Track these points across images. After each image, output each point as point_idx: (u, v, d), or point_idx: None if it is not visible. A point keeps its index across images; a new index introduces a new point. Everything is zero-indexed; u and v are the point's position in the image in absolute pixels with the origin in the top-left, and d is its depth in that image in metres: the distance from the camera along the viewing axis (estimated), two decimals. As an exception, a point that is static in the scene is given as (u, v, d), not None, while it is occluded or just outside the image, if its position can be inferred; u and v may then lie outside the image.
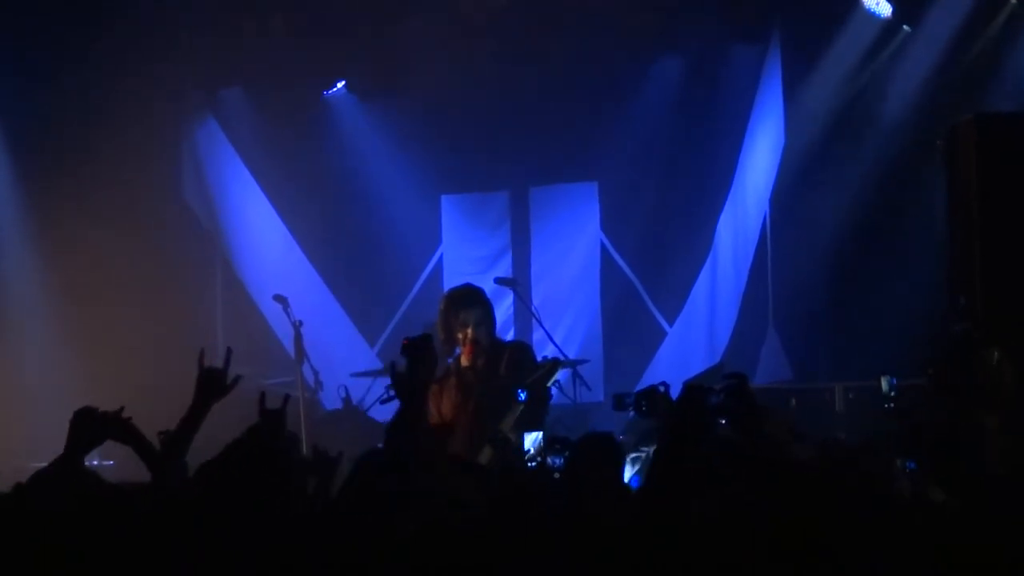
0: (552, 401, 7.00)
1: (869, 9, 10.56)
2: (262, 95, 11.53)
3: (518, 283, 10.56)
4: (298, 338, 9.34)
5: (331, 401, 10.51)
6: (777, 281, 10.95)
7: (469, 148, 11.54)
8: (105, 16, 10.14)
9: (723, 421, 4.32)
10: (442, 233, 12.04)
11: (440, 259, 11.99)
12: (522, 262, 11.85)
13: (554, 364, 6.71)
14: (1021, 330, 7.34)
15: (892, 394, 7.14)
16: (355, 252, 11.81)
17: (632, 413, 4.99)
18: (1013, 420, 6.49)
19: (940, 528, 3.93)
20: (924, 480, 4.41)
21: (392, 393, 4.80)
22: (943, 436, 5.31)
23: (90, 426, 4.22)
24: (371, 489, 3.94)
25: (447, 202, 12.03)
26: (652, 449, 7.18)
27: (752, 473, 3.92)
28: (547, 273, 11.78)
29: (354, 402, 10.31)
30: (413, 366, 4.61)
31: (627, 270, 11.65)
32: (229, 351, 4.52)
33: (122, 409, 4.29)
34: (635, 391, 4.43)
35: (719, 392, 4.22)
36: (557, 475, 5.04)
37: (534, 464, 5.69)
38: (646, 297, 11.60)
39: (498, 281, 10.03)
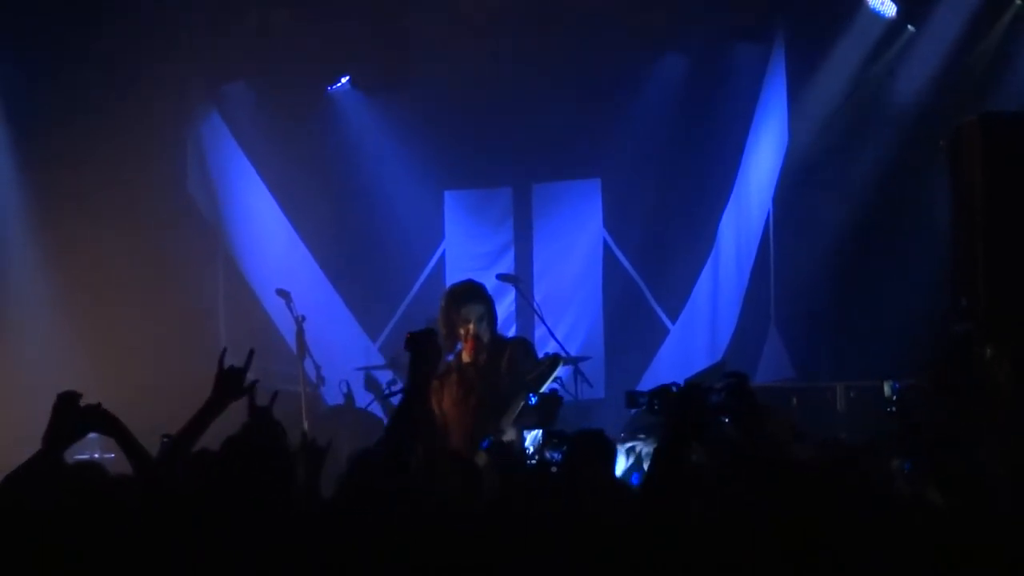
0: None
1: (874, 9, 10.56)
2: (266, 90, 11.52)
3: (520, 280, 10.58)
4: (300, 333, 9.36)
5: (333, 396, 10.54)
6: (779, 280, 10.96)
7: (473, 144, 11.55)
8: (107, 13, 10.13)
9: (725, 420, 4.32)
10: (445, 229, 12.04)
11: (443, 255, 11.99)
12: (524, 258, 11.86)
13: (554, 360, 6.72)
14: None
15: (894, 398, 7.15)
16: (358, 247, 11.81)
17: (634, 410, 5.00)
18: (1013, 420, 6.49)
19: (940, 528, 3.93)
20: (923, 480, 4.41)
21: (395, 388, 4.81)
22: (943, 436, 5.31)
23: (73, 412, 4.18)
24: (369, 487, 3.94)
25: (450, 198, 12.03)
26: (645, 441, 7.23)
27: (752, 473, 3.92)
28: (549, 270, 11.79)
29: (356, 399, 10.34)
30: (416, 361, 4.59)
31: (629, 267, 11.65)
32: (251, 353, 4.49)
33: (99, 404, 4.25)
34: (647, 390, 4.43)
35: (719, 391, 4.22)
36: (554, 469, 5.06)
37: (533, 461, 5.70)
38: (648, 294, 11.60)
39: (500, 277, 10.04)
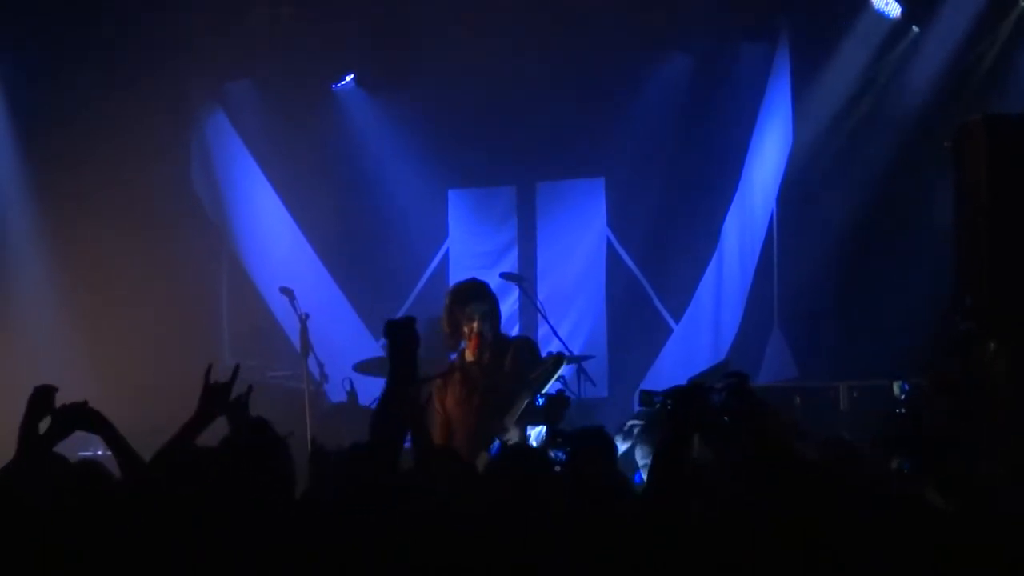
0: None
1: (878, 9, 10.55)
2: (270, 88, 11.53)
3: (524, 278, 10.58)
4: (304, 331, 9.35)
5: (336, 394, 10.54)
6: (783, 280, 10.95)
7: (476, 143, 11.54)
8: (107, 13, 10.14)
9: (726, 419, 4.32)
10: (448, 227, 12.04)
11: (446, 253, 12.00)
12: (528, 257, 11.86)
13: (558, 359, 6.72)
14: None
15: (903, 398, 7.14)
16: (362, 245, 11.82)
17: (638, 408, 5.01)
18: (1013, 420, 6.49)
19: (940, 528, 3.94)
20: (923, 481, 4.42)
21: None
22: (943, 436, 5.32)
23: (45, 405, 4.20)
24: (357, 485, 3.93)
25: (454, 196, 12.04)
26: (642, 424, 7.23)
27: (752, 473, 3.93)
28: (553, 269, 11.78)
29: (359, 396, 10.33)
30: (392, 349, 4.40)
31: (633, 267, 11.65)
32: (236, 368, 4.47)
33: (86, 401, 4.25)
34: (662, 390, 4.43)
35: (720, 391, 4.22)
36: (558, 468, 5.06)
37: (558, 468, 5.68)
38: (652, 294, 11.61)
39: (504, 276, 10.05)
